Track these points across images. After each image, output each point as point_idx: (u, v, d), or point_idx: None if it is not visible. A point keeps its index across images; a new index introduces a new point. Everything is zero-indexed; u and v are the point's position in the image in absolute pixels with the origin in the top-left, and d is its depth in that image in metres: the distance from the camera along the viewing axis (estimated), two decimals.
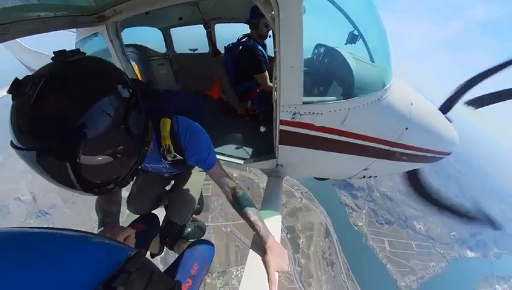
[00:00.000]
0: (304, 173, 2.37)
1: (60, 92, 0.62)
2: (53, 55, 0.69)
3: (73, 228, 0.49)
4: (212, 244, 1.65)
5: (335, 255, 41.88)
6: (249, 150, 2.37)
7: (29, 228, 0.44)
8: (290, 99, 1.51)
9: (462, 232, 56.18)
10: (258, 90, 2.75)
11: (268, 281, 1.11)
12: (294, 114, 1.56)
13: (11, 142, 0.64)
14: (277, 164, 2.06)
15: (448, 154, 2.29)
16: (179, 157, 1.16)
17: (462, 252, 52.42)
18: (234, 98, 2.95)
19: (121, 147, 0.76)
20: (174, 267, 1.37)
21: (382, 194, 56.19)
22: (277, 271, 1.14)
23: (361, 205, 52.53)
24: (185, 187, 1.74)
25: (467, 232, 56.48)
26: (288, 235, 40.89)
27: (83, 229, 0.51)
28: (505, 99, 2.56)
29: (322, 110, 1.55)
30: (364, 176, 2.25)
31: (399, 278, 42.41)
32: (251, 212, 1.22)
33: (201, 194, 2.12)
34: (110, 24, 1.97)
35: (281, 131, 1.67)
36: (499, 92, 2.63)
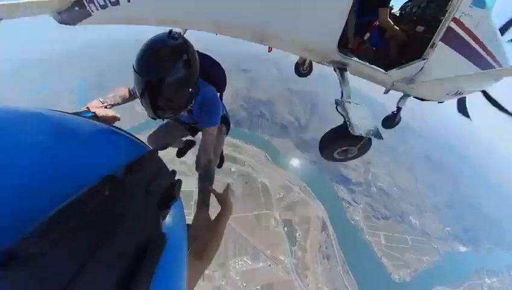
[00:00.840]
0: (429, 85, 2.81)
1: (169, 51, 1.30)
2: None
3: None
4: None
5: (331, 249, 42.68)
6: (382, 63, 2.81)
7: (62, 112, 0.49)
8: (465, 4, 2.29)
9: (456, 227, 57.29)
10: (376, 25, 3.17)
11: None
12: (461, 14, 2.33)
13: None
14: (422, 67, 2.63)
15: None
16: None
17: (455, 247, 53.62)
18: (352, 31, 3.30)
19: (185, 89, 1.44)
20: None
21: (379, 189, 56.84)
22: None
23: (359, 199, 53.20)
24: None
25: (461, 228, 57.61)
26: (285, 229, 41.49)
27: None
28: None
29: (472, 13, 2.36)
30: (457, 92, 3.00)
31: (393, 271, 43.46)
32: (205, 187, 1.40)
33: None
34: None
35: (448, 28, 2.38)
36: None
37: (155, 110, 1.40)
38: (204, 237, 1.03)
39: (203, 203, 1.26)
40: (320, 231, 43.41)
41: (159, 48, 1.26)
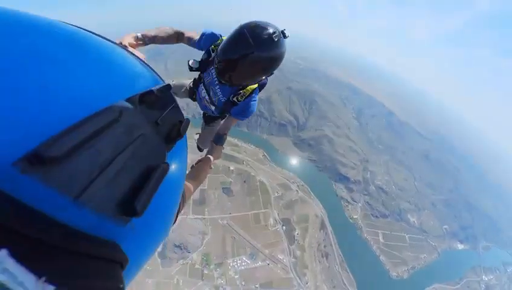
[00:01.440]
0: None
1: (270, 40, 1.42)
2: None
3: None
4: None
5: (330, 247, 42.87)
6: None
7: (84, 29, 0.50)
8: None
9: (454, 226, 57.72)
10: None
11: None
12: None
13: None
14: None
15: None
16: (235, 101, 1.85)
17: (452, 245, 54.07)
18: None
19: (262, 71, 1.56)
20: None
21: (378, 188, 57.08)
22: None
23: (357, 198, 53.39)
24: (214, 127, 2.50)
25: (458, 226, 58.04)
26: (284, 227, 41.58)
27: None
28: None
29: None
30: None
31: (391, 269, 43.78)
32: (212, 145, 1.87)
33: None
34: None
35: None
36: None
37: (223, 72, 1.54)
38: (201, 168, 1.63)
39: (208, 153, 1.79)
40: (318, 230, 43.55)
41: (273, 29, 1.41)
